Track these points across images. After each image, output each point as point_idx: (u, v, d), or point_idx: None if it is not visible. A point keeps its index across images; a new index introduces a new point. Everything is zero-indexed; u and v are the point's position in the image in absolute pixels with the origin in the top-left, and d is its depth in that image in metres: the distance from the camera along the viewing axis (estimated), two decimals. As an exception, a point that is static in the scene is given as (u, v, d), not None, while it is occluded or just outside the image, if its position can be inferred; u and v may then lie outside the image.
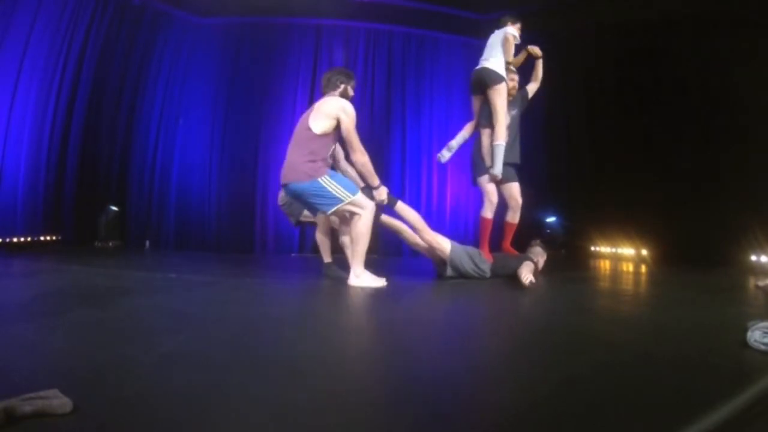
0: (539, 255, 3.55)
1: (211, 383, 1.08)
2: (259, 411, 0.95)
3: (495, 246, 3.77)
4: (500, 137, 3.44)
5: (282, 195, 3.36)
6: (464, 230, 6.20)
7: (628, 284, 3.56)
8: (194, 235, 5.87)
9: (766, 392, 1.06)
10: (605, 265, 4.92)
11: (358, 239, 2.81)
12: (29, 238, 4.64)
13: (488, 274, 3.28)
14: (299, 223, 3.56)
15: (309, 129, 2.81)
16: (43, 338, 1.43)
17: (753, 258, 4.28)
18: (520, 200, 3.71)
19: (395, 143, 6.28)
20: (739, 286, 3.25)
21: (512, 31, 3.65)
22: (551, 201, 6.21)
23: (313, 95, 6.12)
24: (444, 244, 3.22)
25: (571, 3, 5.59)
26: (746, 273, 3.93)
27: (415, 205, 6.38)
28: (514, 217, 3.77)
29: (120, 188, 5.77)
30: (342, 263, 3.28)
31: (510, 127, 3.64)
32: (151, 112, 5.87)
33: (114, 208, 5.67)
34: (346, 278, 2.92)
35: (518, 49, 3.75)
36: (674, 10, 5.03)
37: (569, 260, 5.51)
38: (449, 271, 3.23)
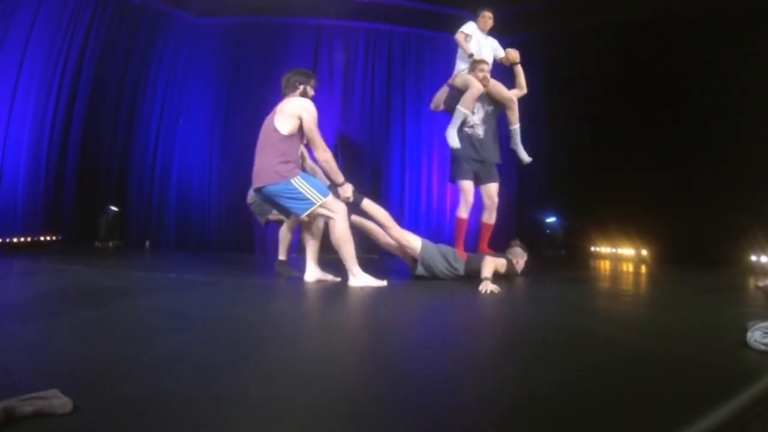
0: (519, 256, 3.41)
1: (211, 383, 1.08)
2: (259, 411, 0.95)
3: (494, 246, 3.75)
4: (461, 107, 3.45)
5: (251, 194, 3.35)
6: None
7: (628, 284, 3.56)
8: (194, 235, 5.86)
9: (766, 392, 1.06)
10: (605, 266, 4.92)
11: (342, 243, 2.82)
12: (29, 238, 4.64)
13: (462, 273, 3.19)
14: (268, 222, 3.56)
15: (276, 131, 2.82)
16: (43, 338, 1.43)
17: (753, 258, 4.28)
18: (496, 200, 3.67)
19: (395, 143, 6.28)
20: (739, 286, 3.26)
21: (465, 27, 3.68)
22: (551, 201, 6.21)
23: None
24: (414, 241, 3.15)
25: (571, 3, 5.59)
26: (746, 273, 3.93)
27: (416, 205, 6.40)
28: (490, 217, 3.71)
29: (120, 188, 5.77)
30: (333, 263, 3.24)
31: (486, 122, 3.59)
32: (151, 112, 5.86)
33: (114, 208, 5.66)
34: (299, 276, 2.98)
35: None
36: (674, 10, 5.03)
37: (569, 260, 5.51)
38: (420, 270, 3.14)
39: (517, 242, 3.52)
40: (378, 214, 3.08)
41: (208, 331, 1.66)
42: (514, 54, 3.69)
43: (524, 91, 3.75)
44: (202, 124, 5.95)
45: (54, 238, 4.98)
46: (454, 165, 3.67)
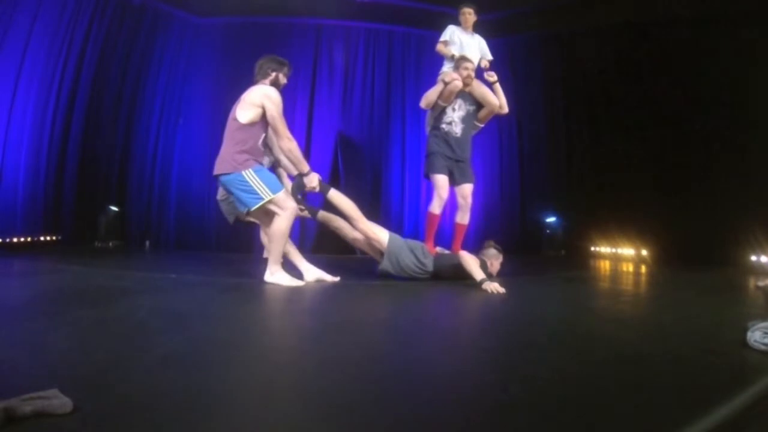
0: (493, 257, 3.26)
1: (210, 383, 1.08)
2: (259, 411, 0.95)
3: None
4: (440, 101, 3.48)
5: (221, 191, 3.29)
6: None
7: (628, 284, 3.56)
8: (194, 235, 5.87)
9: (766, 392, 1.06)
10: (605, 266, 4.92)
11: (274, 238, 2.75)
12: (29, 238, 4.64)
13: (431, 268, 3.09)
14: (237, 221, 3.44)
15: (235, 119, 2.76)
16: (43, 338, 1.43)
17: (753, 258, 4.28)
18: (470, 201, 3.60)
19: (395, 143, 6.29)
20: (739, 286, 3.26)
21: (444, 34, 3.76)
22: (551, 201, 6.22)
23: (314, 95, 6.13)
24: (380, 234, 3.07)
25: (571, 3, 5.60)
26: (746, 273, 3.93)
27: (416, 205, 6.40)
28: (463, 217, 3.64)
29: (120, 188, 5.77)
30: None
31: (464, 121, 3.54)
32: (151, 112, 5.87)
33: (114, 208, 5.66)
34: (324, 278, 2.94)
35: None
36: (674, 10, 5.04)
37: (569, 260, 5.51)
38: (386, 264, 3.05)
39: (492, 243, 3.39)
40: (344, 205, 3.02)
41: (207, 331, 1.66)
42: (491, 76, 3.62)
43: (505, 110, 3.65)
44: (202, 124, 5.95)
45: (54, 238, 4.98)
46: (428, 160, 3.60)
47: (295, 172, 2.98)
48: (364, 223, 3.06)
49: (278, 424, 0.89)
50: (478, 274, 2.77)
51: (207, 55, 5.98)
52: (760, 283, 2.93)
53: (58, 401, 0.84)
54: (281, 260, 2.81)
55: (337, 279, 2.99)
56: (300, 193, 2.93)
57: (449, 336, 1.76)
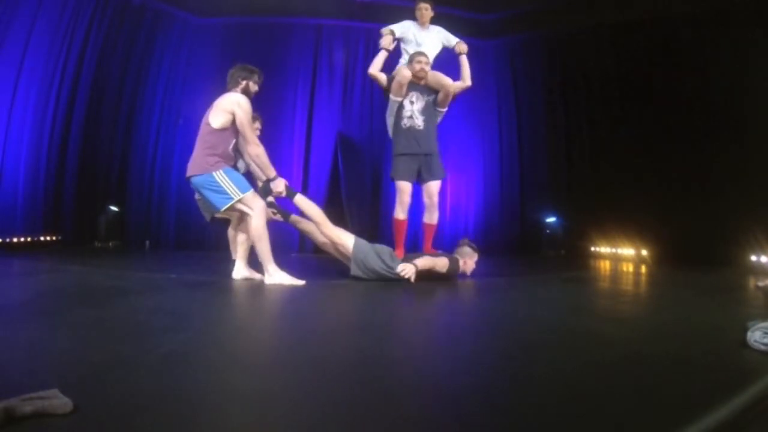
0: (467, 255, 3.22)
1: (210, 383, 1.08)
2: (259, 411, 0.95)
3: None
4: (391, 95, 3.53)
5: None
6: (464, 230, 6.19)
7: (628, 284, 3.56)
8: (194, 235, 5.86)
9: (766, 392, 1.06)
10: (605, 266, 4.92)
11: (257, 240, 2.85)
12: (29, 238, 4.64)
13: (399, 271, 3.01)
14: (214, 219, 3.51)
15: (208, 124, 2.88)
16: (43, 338, 1.43)
17: (753, 258, 4.28)
18: (435, 200, 3.58)
19: (395, 143, 6.28)
20: (739, 286, 3.26)
21: (395, 26, 3.77)
22: (551, 201, 6.21)
23: (314, 95, 6.12)
24: (346, 239, 3.08)
25: (571, 3, 5.60)
26: (746, 273, 3.93)
27: (415, 205, 6.39)
28: (431, 217, 3.61)
29: (120, 188, 5.77)
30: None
31: (425, 113, 3.52)
32: (151, 112, 5.86)
33: (114, 208, 5.66)
34: (252, 277, 3.02)
35: None
36: (673, 10, 5.03)
37: (569, 260, 5.51)
38: (353, 269, 3.03)
39: (467, 241, 3.36)
40: (310, 210, 3.08)
41: (207, 331, 1.66)
42: (462, 46, 3.66)
43: (468, 83, 3.65)
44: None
45: (54, 238, 4.98)
46: (393, 163, 3.59)
47: (263, 178, 3.07)
48: (329, 228, 3.10)
49: (278, 424, 0.89)
50: (420, 263, 2.87)
51: (207, 55, 5.97)
52: (760, 283, 2.93)
53: (58, 401, 0.85)
54: (272, 259, 2.87)
55: (261, 276, 2.97)
56: (267, 197, 3.02)
57: (448, 336, 1.76)
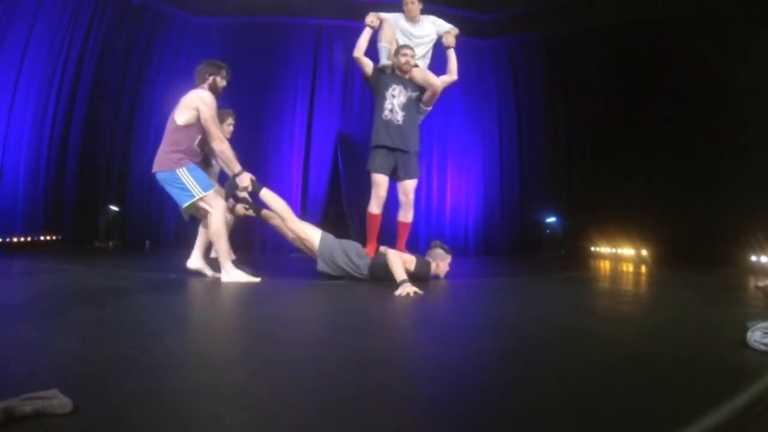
0: (440, 258, 3.15)
1: (210, 383, 1.08)
2: (259, 410, 0.95)
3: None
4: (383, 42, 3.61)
5: None
6: (464, 230, 6.19)
7: (628, 284, 3.56)
8: (194, 236, 5.84)
9: (766, 392, 1.06)
10: (605, 266, 4.92)
11: (216, 238, 2.91)
12: (29, 238, 4.64)
13: (365, 271, 3.01)
14: (192, 218, 3.44)
15: (174, 121, 2.91)
16: (43, 338, 1.43)
17: (753, 258, 4.27)
18: (411, 198, 3.53)
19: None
20: (739, 286, 3.26)
21: (385, 14, 3.78)
22: (551, 201, 6.21)
23: (314, 95, 6.12)
24: (312, 234, 3.06)
25: (571, 3, 5.59)
26: (746, 273, 3.93)
27: (416, 206, 6.39)
28: (406, 215, 3.55)
29: (120, 188, 5.76)
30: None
31: (406, 108, 3.47)
32: (151, 112, 5.86)
33: (114, 208, 5.66)
34: (204, 272, 3.07)
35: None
36: (673, 11, 5.03)
37: (569, 260, 5.51)
38: (320, 265, 3.01)
39: (439, 243, 3.28)
40: (276, 205, 3.09)
41: (207, 330, 1.66)
42: (450, 39, 3.63)
43: (455, 77, 3.63)
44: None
45: (54, 238, 4.98)
46: (370, 155, 3.55)
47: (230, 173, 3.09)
48: (295, 222, 3.11)
49: (279, 424, 0.89)
50: (400, 275, 2.69)
51: (207, 55, 5.91)
52: (760, 283, 2.92)
53: (58, 401, 0.85)
54: (231, 257, 2.94)
55: (217, 274, 2.99)
56: (233, 192, 3.05)
57: (448, 337, 1.76)
